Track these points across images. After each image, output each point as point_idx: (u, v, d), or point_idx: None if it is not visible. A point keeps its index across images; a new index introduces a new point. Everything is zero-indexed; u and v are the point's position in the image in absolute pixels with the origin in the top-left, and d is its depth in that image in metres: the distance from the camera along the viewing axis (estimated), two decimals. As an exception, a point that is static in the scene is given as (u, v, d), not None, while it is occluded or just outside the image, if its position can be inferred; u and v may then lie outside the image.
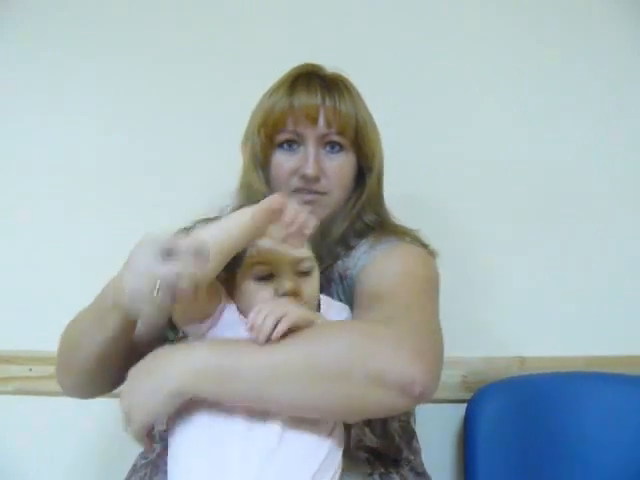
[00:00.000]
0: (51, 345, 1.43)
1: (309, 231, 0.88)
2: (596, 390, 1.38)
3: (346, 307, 1.04)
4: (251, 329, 0.87)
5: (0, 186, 1.48)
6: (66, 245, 1.46)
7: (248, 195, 1.11)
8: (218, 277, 0.93)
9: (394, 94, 1.39)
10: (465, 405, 1.35)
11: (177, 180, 1.44)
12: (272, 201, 0.86)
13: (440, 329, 0.97)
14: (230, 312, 0.94)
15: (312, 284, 0.96)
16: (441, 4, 1.49)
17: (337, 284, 1.09)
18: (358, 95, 1.15)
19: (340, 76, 1.15)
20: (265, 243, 0.92)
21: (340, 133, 1.10)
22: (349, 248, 1.11)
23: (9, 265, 1.46)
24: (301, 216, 0.87)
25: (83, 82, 1.48)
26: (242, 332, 0.90)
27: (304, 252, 0.95)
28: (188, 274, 0.79)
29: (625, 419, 1.35)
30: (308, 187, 1.09)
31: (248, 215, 0.86)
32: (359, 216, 1.13)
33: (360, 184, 1.15)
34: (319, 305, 1.01)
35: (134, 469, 1.06)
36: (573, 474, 1.34)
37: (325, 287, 1.08)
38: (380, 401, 0.87)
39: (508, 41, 1.48)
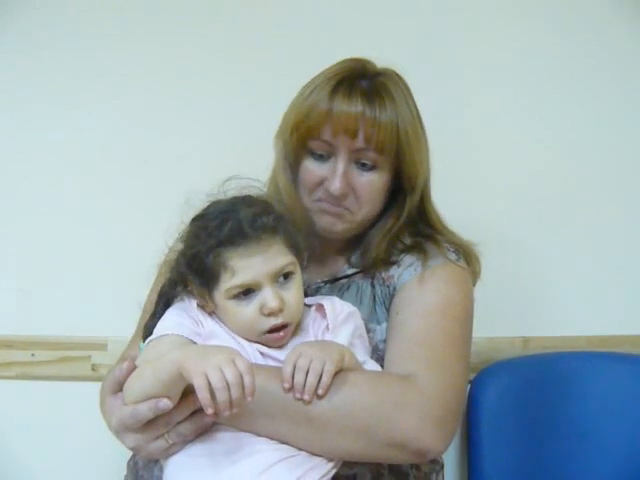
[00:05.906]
0: (53, 330, 1.45)
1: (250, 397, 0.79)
2: (598, 369, 1.39)
3: (355, 312, 0.99)
4: (294, 390, 0.85)
5: (4, 174, 1.46)
6: (68, 230, 1.45)
7: (275, 190, 1.07)
8: (193, 292, 0.93)
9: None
10: (469, 385, 1.34)
11: (179, 174, 1.40)
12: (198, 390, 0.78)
13: (466, 382, 1.00)
14: (211, 323, 0.92)
15: (295, 289, 0.92)
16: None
17: (380, 286, 1.07)
18: (405, 100, 1.05)
19: (388, 80, 1.05)
20: (237, 261, 0.87)
21: (378, 151, 1.01)
22: (392, 263, 1.08)
23: (12, 250, 1.45)
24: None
25: (87, 74, 1.45)
26: (226, 341, 0.89)
27: (281, 259, 0.90)
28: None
29: (627, 398, 1.36)
30: (332, 201, 1.03)
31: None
32: (397, 237, 1.08)
33: (400, 200, 1.08)
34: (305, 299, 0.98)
35: None
36: (576, 452, 1.35)
37: (364, 289, 1.08)
38: (391, 458, 0.92)
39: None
